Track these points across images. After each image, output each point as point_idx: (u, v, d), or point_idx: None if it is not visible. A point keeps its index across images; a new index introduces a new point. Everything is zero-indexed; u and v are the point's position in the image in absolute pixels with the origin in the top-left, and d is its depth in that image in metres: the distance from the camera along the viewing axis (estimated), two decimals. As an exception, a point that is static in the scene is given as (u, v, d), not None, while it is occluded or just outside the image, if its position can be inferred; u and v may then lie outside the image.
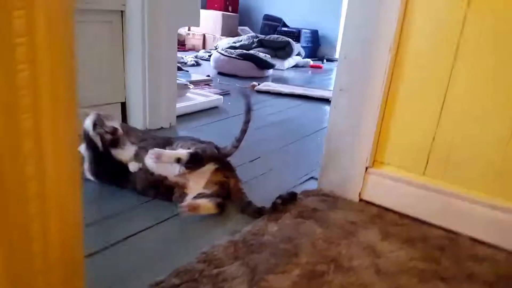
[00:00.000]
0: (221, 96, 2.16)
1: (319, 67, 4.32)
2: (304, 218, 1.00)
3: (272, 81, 3.12)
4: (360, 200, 1.13)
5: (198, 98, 2.06)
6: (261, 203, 1.03)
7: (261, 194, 1.13)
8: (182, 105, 1.83)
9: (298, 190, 1.17)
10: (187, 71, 3.09)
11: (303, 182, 1.26)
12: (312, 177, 1.29)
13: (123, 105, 1.62)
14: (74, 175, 0.47)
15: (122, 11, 1.51)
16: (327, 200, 1.12)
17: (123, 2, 1.50)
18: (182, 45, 5.03)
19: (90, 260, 0.78)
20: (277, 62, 3.83)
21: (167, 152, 1.02)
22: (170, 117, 1.68)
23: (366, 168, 1.10)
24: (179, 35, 5.34)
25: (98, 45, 1.48)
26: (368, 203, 1.12)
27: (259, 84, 2.73)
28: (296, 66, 4.20)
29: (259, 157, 1.43)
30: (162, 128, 1.65)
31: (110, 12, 1.48)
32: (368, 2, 1.01)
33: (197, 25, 1.82)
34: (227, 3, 5.58)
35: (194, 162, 1.02)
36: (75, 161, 0.47)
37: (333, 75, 2.76)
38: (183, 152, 1.02)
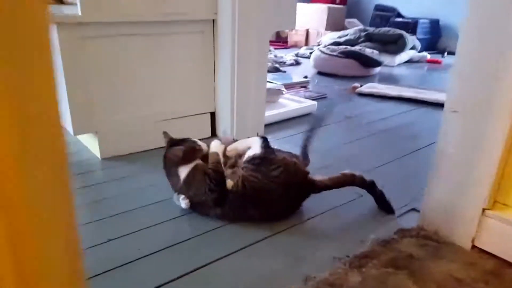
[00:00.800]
0: (315, 102, 2.01)
1: (437, 62, 3.82)
2: (396, 268, 0.83)
3: (379, 81, 2.85)
4: (473, 247, 0.90)
5: (290, 104, 1.95)
6: (334, 248, 0.89)
7: (340, 230, 0.99)
8: (271, 114, 1.74)
9: (392, 226, 0.99)
10: (285, 71, 3.00)
11: (401, 214, 1.07)
12: (413, 209, 1.09)
13: (213, 115, 1.60)
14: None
15: (213, 20, 1.47)
16: (428, 244, 0.92)
17: (215, 10, 1.46)
18: (284, 42, 4.96)
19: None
20: (386, 58, 3.50)
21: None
22: (257, 126, 1.61)
23: (483, 210, 0.87)
24: (282, 32, 5.28)
25: (189, 55, 1.47)
26: (483, 252, 0.89)
27: (361, 86, 2.50)
28: (409, 61, 3.79)
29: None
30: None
31: (202, 22, 1.46)
32: None
33: (293, 27, 1.71)
34: (335, -6, 5.32)
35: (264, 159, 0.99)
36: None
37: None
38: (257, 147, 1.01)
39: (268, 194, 0.97)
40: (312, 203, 1.07)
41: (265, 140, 1.04)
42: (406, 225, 1.00)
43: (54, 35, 1.16)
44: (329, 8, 4.96)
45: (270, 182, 0.96)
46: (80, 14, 1.18)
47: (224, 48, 1.47)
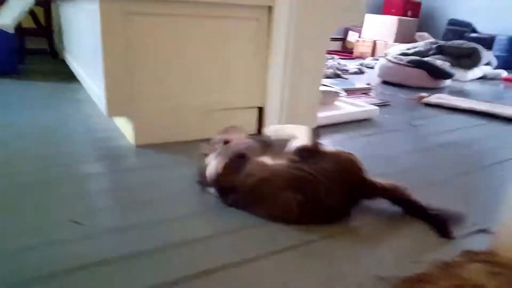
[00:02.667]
0: (377, 107, 1.84)
1: (515, 81, 3.43)
2: (459, 298, 0.65)
3: (448, 94, 2.58)
4: None
5: (347, 107, 1.80)
6: (381, 267, 0.73)
7: (390, 245, 0.83)
8: (325, 115, 1.61)
9: (456, 248, 0.81)
10: (346, 78, 2.84)
11: (466, 235, 0.88)
12: (482, 230, 0.89)
13: (260, 110, 1.50)
14: None
15: (270, 7, 1.38)
16: (502, 273, 0.73)
17: (273, -5, 1.36)
18: (349, 52, 4.78)
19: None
20: (458, 72, 3.21)
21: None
22: (309, 126, 1.47)
23: None
24: (349, 42, 5.11)
25: (240, 44, 1.39)
26: None
27: (429, 96, 2.27)
28: (483, 77, 3.45)
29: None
30: (298, 138, 1.46)
31: (258, 7, 1.37)
32: None
33: (360, 23, 1.55)
34: (407, 7, 5.05)
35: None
36: None
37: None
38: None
39: (313, 188, 0.83)
40: (361, 211, 0.93)
41: (314, 132, 0.92)
42: (473, 248, 0.81)
43: (96, 6, 1.13)
44: (400, 20, 4.72)
45: (317, 174, 0.83)
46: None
47: (279, 38, 1.37)
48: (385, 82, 2.88)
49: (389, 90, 2.61)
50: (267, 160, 0.90)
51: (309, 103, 1.45)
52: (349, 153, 0.93)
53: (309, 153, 0.88)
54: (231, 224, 0.85)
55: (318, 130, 0.94)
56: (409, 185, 1.11)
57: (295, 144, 0.91)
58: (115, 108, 1.25)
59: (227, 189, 0.90)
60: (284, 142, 0.95)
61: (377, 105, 1.94)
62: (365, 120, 1.77)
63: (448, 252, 0.79)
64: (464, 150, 1.48)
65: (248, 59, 1.41)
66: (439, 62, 2.98)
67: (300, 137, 0.93)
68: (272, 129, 1.01)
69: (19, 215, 0.84)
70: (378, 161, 1.26)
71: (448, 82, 2.91)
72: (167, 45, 1.27)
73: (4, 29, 2.27)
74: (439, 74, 2.79)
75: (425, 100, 2.23)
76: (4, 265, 0.68)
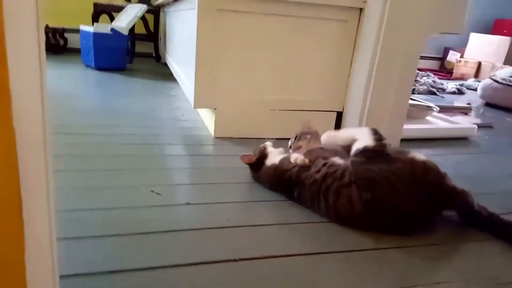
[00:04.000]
0: (475, 126, 1.66)
1: None
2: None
3: None
4: None
5: (440, 123, 1.65)
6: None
7: (472, 266, 0.72)
8: (413, 127, 1.49)
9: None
10: (442, 97, 2.63)
11: None
12: None
13: (339, 115, 1.45)
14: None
15: (361, 9, 1.33)
16: None
17: (365, -2, 1.32)
18: (448, 73, 4.43)
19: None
20: None
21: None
22: (392, 137, 1.38)
23: None
24: (448, 62, 4.75)
25: (326, 45, 1.36)
26: None
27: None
28: None
29: (509, 213, 0.95)
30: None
31: (348, 9, 1.33)
32: None
33: (459, 31, 1.41)
34: (522, 27, 4.53)
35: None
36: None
37: None
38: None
39: (386, 189, 0.76)
40: (440, 225, 0.83)
41: (376, 132, 0.85)
42: None
43: (195, 7, 1.20)
44: (513, 41, 4.24)
45: (391, 175, 0.76)
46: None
47: (367, 42, 1.31)
48: (488, 104, 2.59)
49: (493, 112, 2.34)
50: (336, 159, 0.85)
51: (394, 112, 1.35)
52: (426, 159, 0.82)
53: (375, 153, 0.81)
54: (293, 217, 0.83)
55: (377, 131, 0.85)
56: (507, 209, 0.98)
57: (357, 145, 0.84)
58: (201, 101, 1.32)
59: (293, 182, 0.87)
60: (347, 146, 0.89)
61: (477, 126, 1.75)
62: (460, 139, 1.60)
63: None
64: None
65: (332, 61, 1.38)
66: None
67: (361, 138, 0.85)
68: (326, 135, 0.95)
69: (114, 178, 0.95)
70: (468, 182, 1.12)
71: None
72: (253, 43, 1.30)
73: (119, 31, 2.56)
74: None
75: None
76: (93, 219, 0.75)
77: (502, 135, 1.81)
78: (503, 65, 4.02)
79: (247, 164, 0.98)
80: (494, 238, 0.81)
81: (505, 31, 4.56)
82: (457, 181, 0.83)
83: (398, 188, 0.75)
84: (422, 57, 4.86)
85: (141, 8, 2.85)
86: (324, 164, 0.84)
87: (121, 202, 0.83)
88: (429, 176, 0.78)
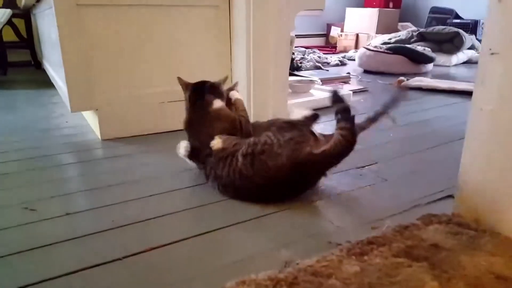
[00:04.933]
0: (350, 92, 1.82)
1: (501, 62, 3.42)
2: (412, 259, 0.63)
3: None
4: (527, 240, 0.68)
5: (321, 94, 1.78)
6: (335, 234, 0.71)
7: (350, 215, 0.81)
8: (295, 101, 1.58)
9: (418, 212, 0.79)
10: (327, 70, 2.83)
11: (433, 201, 0.86)
12: (450, 196, 0.87)
13: (228, 99, 1.48)
14: None
15: (228, -6, 1.36)
16: (463, 233, 0.70)
17: (231, -17, 1.35)
18: (333, 47, 4.78)
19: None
20: (441, 58, 3.20)
21: None
22: (279, 113, 1.45)
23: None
24: (332, 37, 5.11)
25: (203, 32, 1.37)
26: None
27: (408, 80, 2.26)
28: (468, 62, 3.43)
29: (375, 163, 1.07)
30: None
31: (217, -5, 1.36)
32: None
33: (321, 7, 1.54)
34: (388, -1, 5.05)
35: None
36: None
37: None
38: None
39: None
40: (324, 186, 0.91)
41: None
42: (436, 212, 0.79)
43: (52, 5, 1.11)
44: (380, 11, 4.71)
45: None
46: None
47: (241, 26, 1.35)
48: (366, 72, 2.86)
49: (370, 78, 2.60)
50: None
51: (277, 90, 1.42)
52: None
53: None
54: (193, 201, 0.85)
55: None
56: (383, 156, 1.11)
57: None
58: (78, 103, 1.24)
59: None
60: None
61: (354, 91, 1.92)
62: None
63: (409, 218, 0.76)
64: (435, 127, 1.48)
65: (210, 49, 1.39)
66: (420, 48, 2.97)
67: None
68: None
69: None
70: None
71: (430, 67, 2.89)
72: (126, 37, 1.25)
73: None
74: (420, 59, 2.77)
75: (405, 83, 2.21)
76: None
77: (375, 96, 2.02)
78: (376, 35, 4.46)
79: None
80: (364, 189, 0.91)
81: (374, 3, 5.04)
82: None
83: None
84: (308, 35, 5.18)
85: (4, 13, 2.55)
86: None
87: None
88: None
